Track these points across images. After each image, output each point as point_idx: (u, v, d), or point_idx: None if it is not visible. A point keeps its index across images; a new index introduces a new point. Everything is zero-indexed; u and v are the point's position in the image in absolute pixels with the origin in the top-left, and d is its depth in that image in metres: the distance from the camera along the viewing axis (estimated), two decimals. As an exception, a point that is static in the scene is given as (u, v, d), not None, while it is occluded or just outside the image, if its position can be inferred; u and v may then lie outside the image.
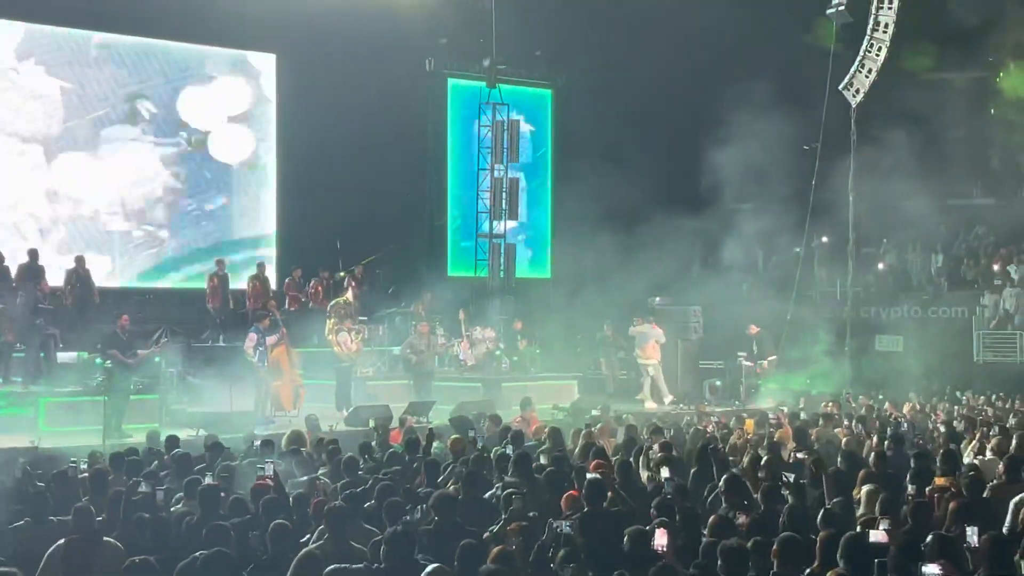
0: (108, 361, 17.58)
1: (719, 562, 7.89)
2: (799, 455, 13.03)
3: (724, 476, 10.66)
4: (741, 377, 23.58)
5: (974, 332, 26.76)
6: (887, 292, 29.36)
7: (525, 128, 28.71)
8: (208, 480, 10.64)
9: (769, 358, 23.72)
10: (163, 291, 25.11)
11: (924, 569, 7.25)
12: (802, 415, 17.82)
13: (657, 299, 25.36)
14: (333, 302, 21.42)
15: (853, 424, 16.31)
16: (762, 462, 11.74)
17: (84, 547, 8.74)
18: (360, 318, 22.24)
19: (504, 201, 26.37)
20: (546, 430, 14.69)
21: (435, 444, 14.09)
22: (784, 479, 10.70)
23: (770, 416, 17.73)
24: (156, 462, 12.70)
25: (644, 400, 22.96)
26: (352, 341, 20.24)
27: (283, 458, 12.51)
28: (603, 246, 24.61)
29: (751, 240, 25.83)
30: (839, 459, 12.22)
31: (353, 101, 25.41)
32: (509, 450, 12.48)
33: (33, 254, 20.82)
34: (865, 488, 10.58)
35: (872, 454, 12.61)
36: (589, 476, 10.20)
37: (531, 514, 9.60)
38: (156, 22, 24.88)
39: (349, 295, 22.33)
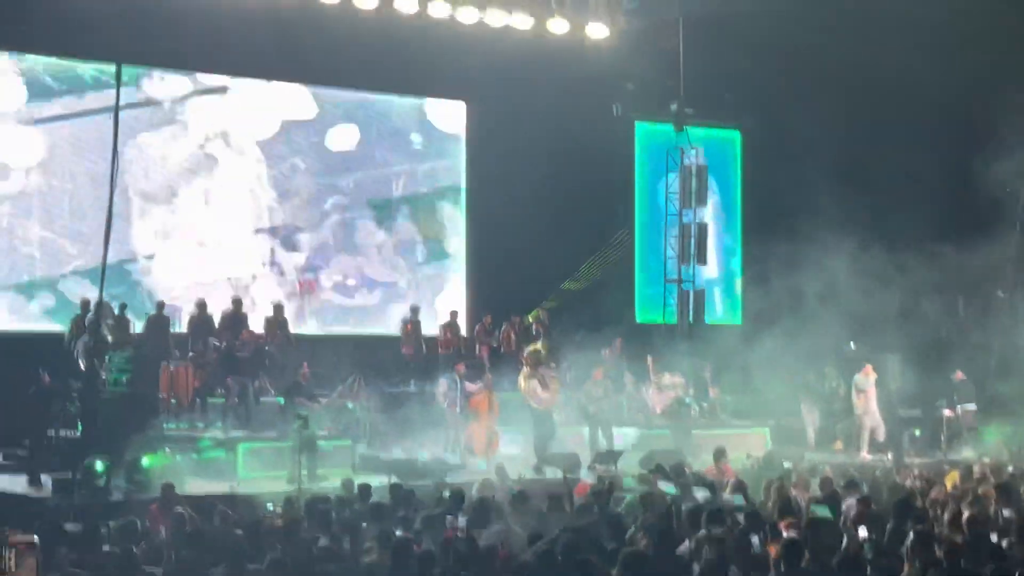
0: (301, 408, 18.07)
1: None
2: (1006, 512, 12.43)
3: (913, 530, 10.26)
4: (943, 427, 22.71)
5: None
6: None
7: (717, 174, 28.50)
8: (399, 532, 10.74)
9: (966, 406, 22.80)
10: (357, 337, 25.51)
11: None
12: (1010, 468, 17.03)
13: (852, 344, 24.67)
14: (528, 350, 21.46)
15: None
16: (963, 519, 11.25)
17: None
18: (552, 364, 22.25)
19: (692, 246, 26.10)
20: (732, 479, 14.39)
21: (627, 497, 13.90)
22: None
23: (975, 469, 16.95)
24: (347, 511, 12.89)
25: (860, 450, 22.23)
26: (542, 390, 20.20)
27: (473, 509, 12.55)
28: (796, 291, 24.08)
29: (951, 284, 24.84)
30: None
31: (541, 148, 25.51)
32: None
33: (237, 302, 21.54)
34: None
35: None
36: (785, 536, 9.91)
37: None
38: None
39: (540, 344, 22.33)
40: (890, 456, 21.35)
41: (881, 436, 22.39)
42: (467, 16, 23.26)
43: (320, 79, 25.58)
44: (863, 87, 25.50)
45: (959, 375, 23.06)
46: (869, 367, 22.83)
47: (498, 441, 20.35)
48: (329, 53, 24.06)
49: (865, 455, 21.85)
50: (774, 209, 26.77)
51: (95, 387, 17.99)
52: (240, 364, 20.10)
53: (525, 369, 20.52)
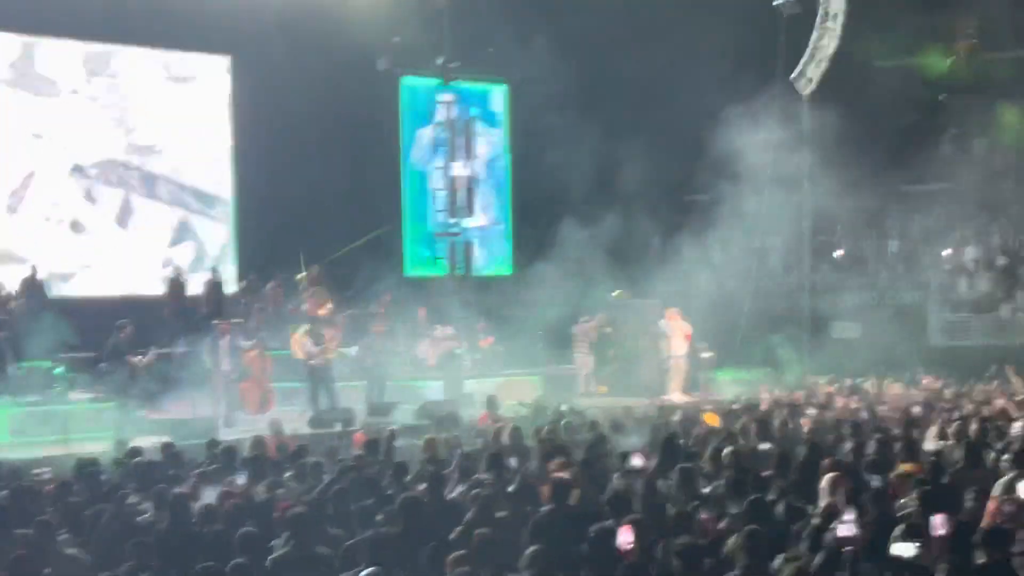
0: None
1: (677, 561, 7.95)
2: (762, 446, 13.14)
3: (677, 468, 10.78)
4: (700, 369, 23.70)
5: (929, 317, 27.05)
6: (844, 279, 29.59)
7: (481, 126, 28.76)
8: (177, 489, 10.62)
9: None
10: (120, 298, 24.73)
11: (895, 548, 7.30)
12: (763, 405, 17.96)
13: (615, 293, 25.42)
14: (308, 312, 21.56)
15: (817, 413, 16.44)
16: (724, 453, 11.84)
17: (39, 559, 8.65)
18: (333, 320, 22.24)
19: (461, 198, 26.32)
20: (507, 430, 14.74)
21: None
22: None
23: (733, 407, 17.83)
24: (118, 471, 12.65)
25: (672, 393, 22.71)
26: (315, 346, 20.17)
27: (246, 464, 12.50)
28: (563, 241, 24.66)
29: (709, 232, 25.91)
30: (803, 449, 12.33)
31: (306, 103, 25.23)
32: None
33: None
34: (827, 477, 10.66)
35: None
36: (554, 476, 10.25)
37: (498, 514, 9.63)
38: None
39: (324, 310, 22.22)
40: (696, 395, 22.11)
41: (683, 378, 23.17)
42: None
43: (77, 33, 24.60)
44: (613, 39, 26.08)
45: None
46: (671, 311, 23.38)
47: (272, 399, 20.23)
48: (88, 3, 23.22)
49: (677, 396, 22.38)
50: (541, 161, 27.24)
51: None
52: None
53: (301, 326, 20.47)
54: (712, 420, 16.43)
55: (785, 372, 23.31)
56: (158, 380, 19.37)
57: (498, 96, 30.73)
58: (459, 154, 26.51)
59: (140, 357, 19.19)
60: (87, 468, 12.20)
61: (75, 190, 24.92)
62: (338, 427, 17.35)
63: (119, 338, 18.44)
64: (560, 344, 25.26)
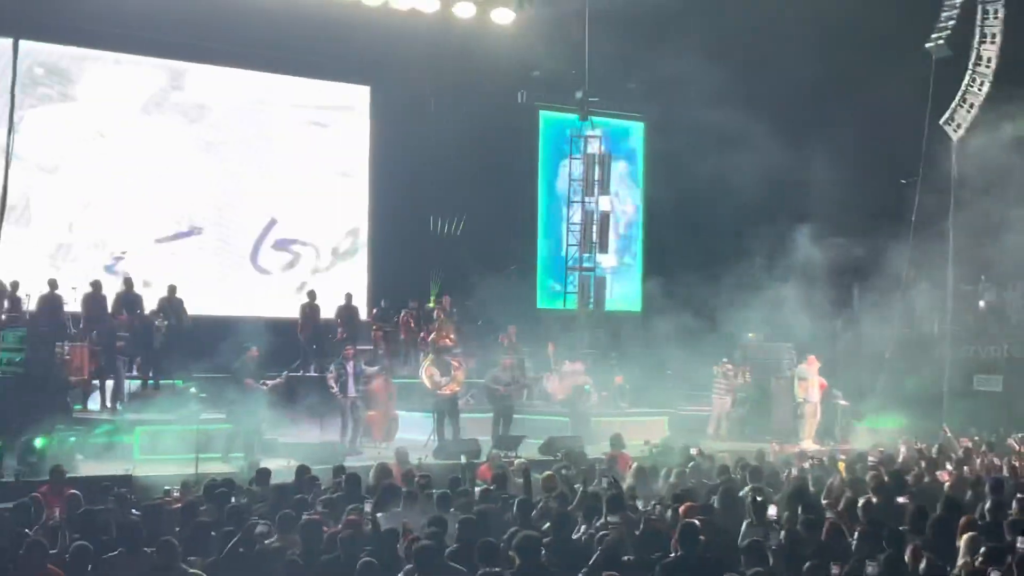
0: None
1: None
2: (899, 500, 12.72)
3: (803, 520, 10.47)
4: (837, 417, 23.15)
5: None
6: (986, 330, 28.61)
7: (619, 163, 28.70)
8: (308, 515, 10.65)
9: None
10: (257, 319, 25.10)
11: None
12: (900, 457, 17.43)
13: (750, 335, 25.03)
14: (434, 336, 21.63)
15: (955, 468, 15.86)
16: (859, 506, 11.48)
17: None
18: (456, 350, 22.29)
19: (594, 233, 26.24)
20: (632, 466, 14.51)
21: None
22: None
23: (869, 458, 17.30)
24: (246, 494, 12.76)
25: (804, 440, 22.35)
26: (441, 376, 20.18)
27: (371, 492, 12.50)
28: (695, 280, 24.38)
29: (850, 277, 25.37)
30: (940, 505, 11.88)
31: (444, 134, 25.45)
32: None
33: (128, 283, 21.11)
34: (966, 536, 10.24)
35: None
36: (682, 521, 10.01)
37: (624, 558, 9.44)
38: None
39: (445, 331, 22.33)
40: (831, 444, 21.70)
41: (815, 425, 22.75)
42: (372, -2, 23.13)
43: (222, 59, 25.17)
44: (759, 79, 25.76)
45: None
46: (812, 357, 23.07)
47: (397, 426, 20.29)
48: (231, 32, 23.75)
49: (809, 443, 22.02)
50: (676, 199, 27.01)
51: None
52: (124, 345, 19.71)
53: (429, 356, 20.53)
54: (846, 470, 15.98)
55: (924, 424, 22.57)
56: (287, 403, 19.57)
57: (635, 133, 30.61)
58: (595, 189, 26.44)
59: (269, 380, 19.37)
60: (216, 489, 12.31)
61: (216, 212, 25.49)
62: (463, 459, 17.28)
63: (244, 359, 18.65)
64: (689, 384, 24.90)
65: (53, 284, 20.46)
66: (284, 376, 19.85)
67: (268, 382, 19.06)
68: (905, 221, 24.67)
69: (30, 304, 20.31)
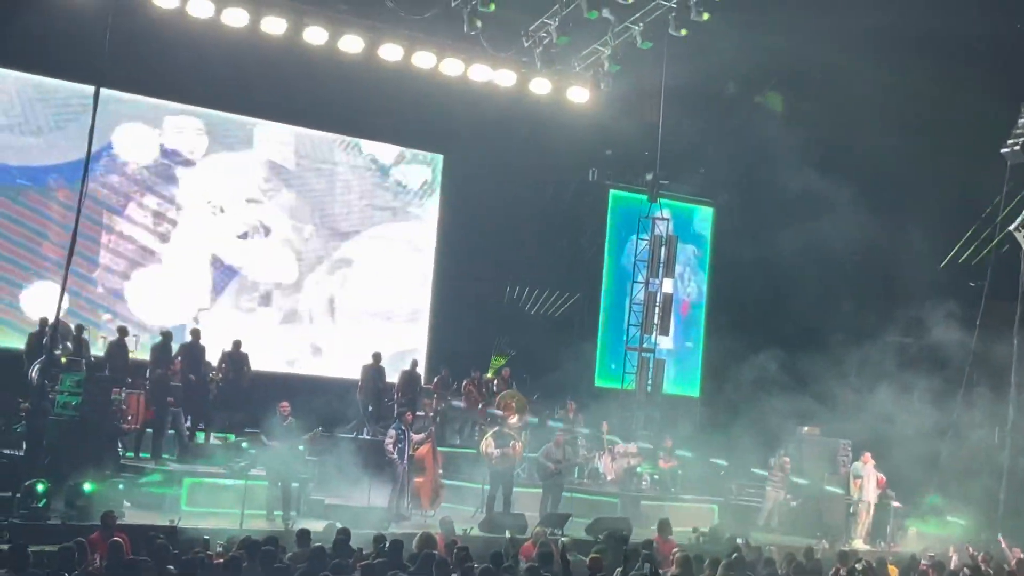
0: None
1: None
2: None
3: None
4: (889, 517, 22.75)
5: None
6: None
7: (687, 246, 28.74)
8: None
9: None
10: (313, 378, 25.24)
11: None
12: (952, 564, 17.08)
13: (805, 428, 24.77)
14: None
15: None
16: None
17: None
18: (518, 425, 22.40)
19: (656, 315, 26.18)
20: (676, 555, 14.36)
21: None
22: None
23: (921, 562, 16.99)
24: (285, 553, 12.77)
25: (853, 541, 22.05)
26: (496, 449, 20.20)
27: (412, 560, 12.48)
28: (755, 368, 24.21)
29: (909, 375, 25.01)
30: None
31: (514, 207, 25.68)
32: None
33: (195, 334, 21.33)
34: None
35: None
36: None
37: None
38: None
39: (515, 420, 22.51)
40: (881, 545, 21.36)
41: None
42: (452, 68, 23.40)
43: (299, 120, 25.60)
44: (839, 169, 25.66)
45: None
46: (868, 455, 22.82)
47: (443, 493, 20.24)
48: (311, 95, 24.16)
49: (860, 543, 21.76)
50: (740, 285, 26.90)
51: (43, 408, 17.73)
52: (178, 396, 19.88)
53: (493, 429, 20.70)
54: (896, 574, 15.69)
55: (978, 531, 22.10)
56: (333, 463, 19.54)
57: (703, 217, 30.60)
58: (660, 271, 26.42)
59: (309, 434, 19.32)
60: (256, 547, 12.35)
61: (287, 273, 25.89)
62: (508, 533, 17.18)
63: (276, 418, 18.68)
64: (742, 474, 24.60)
65: (123, 331, 20.71)
66: (316, 432, 19.58)
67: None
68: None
69: (93, 349, 20.61)
